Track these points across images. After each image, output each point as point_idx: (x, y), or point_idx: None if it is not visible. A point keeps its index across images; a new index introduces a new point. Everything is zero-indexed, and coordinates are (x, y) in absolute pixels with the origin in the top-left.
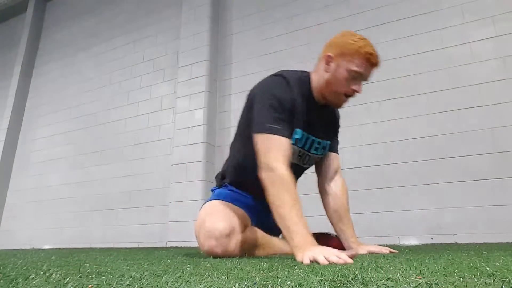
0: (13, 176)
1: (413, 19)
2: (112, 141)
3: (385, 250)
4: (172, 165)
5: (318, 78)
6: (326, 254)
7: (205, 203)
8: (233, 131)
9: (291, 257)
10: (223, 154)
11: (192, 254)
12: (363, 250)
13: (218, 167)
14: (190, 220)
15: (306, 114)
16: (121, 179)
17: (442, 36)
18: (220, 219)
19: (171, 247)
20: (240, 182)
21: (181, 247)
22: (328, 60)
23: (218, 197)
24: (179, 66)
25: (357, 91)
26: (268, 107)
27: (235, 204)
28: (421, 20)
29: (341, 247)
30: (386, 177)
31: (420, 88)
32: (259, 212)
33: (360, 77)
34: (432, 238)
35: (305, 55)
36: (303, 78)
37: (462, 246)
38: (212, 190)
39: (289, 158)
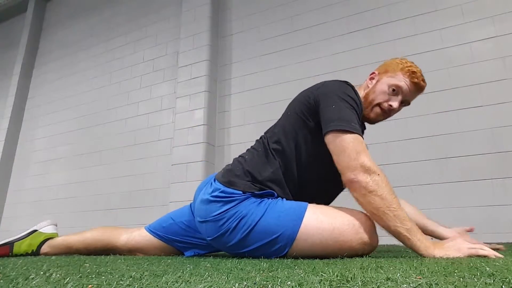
0: (13, 176)
1: (413, 19)
2: (112, 141)
3: None
4: (172, 165)
5: (361, 94)
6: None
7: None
8: (233, 131)
9: (291, 257)
10: (223, 154)
11: None
12: None
13: (218, 167)
14: None
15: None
16: (121, 179)
17: (442, 36)
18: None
19: None
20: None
21: None
22: (372, 76)
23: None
24: (179, 66)
25: (392, 107)
26: (350, 107)
27: None
28: (421, 20)
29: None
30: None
31: None
32: None
33: (400, 93)
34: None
35: (305, 55)
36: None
37: None
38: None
39: None
